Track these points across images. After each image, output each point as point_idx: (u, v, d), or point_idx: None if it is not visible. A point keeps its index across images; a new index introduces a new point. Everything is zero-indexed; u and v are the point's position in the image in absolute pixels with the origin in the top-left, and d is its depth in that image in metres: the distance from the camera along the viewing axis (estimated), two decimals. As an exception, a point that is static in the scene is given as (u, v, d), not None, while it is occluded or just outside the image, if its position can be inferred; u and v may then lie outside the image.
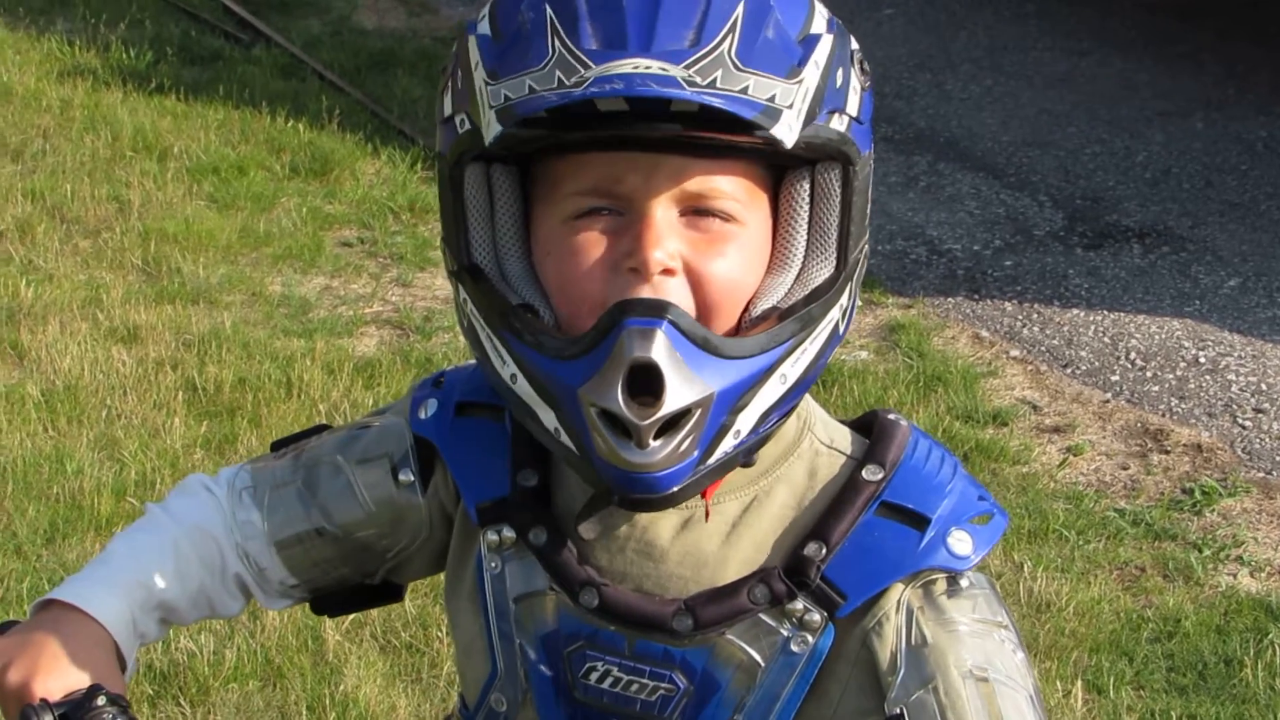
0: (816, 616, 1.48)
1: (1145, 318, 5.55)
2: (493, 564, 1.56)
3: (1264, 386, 5.16)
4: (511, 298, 1.45)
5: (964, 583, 1.50)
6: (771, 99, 1.34)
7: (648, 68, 1.32)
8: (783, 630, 1.49)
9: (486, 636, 1.58)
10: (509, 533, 1.55)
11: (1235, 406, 5.07)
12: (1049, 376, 5.25)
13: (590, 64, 1.33)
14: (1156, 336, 5.45)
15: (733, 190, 1.41)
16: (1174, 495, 4.66)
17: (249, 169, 6.46)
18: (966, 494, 1.52)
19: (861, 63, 1.47)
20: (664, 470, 1.39)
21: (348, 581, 1.73)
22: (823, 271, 1.46)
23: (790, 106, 1.35)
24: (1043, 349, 5.41)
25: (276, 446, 1.77)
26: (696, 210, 1.41)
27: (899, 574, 1.49)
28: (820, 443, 1.56)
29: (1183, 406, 5.08)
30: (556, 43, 1.34)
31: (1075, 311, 5.61)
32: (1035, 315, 5.61)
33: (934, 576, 1.50)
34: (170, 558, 1.66)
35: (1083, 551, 4.36)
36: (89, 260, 5.78)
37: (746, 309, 1.43)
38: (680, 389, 1.36)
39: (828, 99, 1.40)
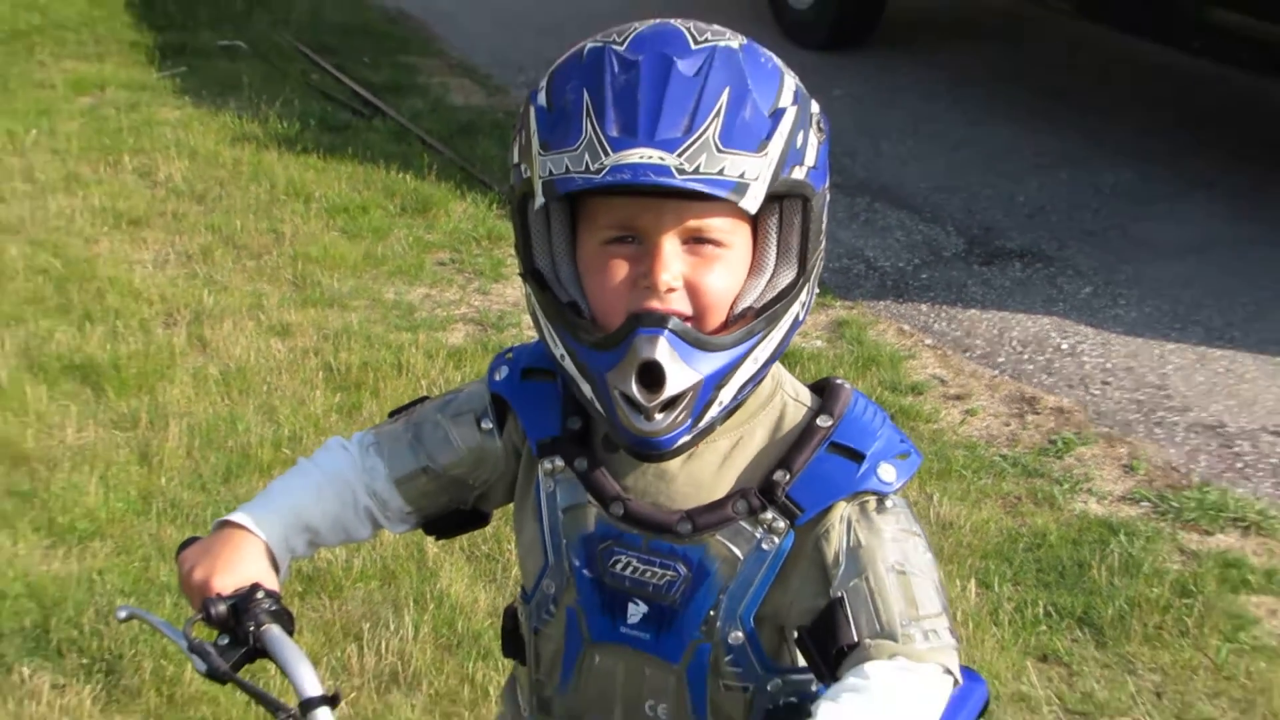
0: (782, 524, 1.50)
1: (1024, 315, 5.54)
2: (548, 485, 1.59)
3: (1109, 365, 5.16)
4: (562, 296, 1.47)
5: (889, 503, 1.53)
6: (742, 175, 1.36)
7: (649, 157, 1.33)
8: (757, 534, 1.51)
9: (541, 539, 1.60)
10: (560, 462, 1.58)
11: (1088, 380, 5.07)
12: (953, 359, 5.24)
13: (610, 151, 1.34)
14: (1032, 329, 5.44)
15: (721, 224, 1.43)
16: (1042, 445, 4.66)
17: (370, 209, 6.47)
18: (892, 439, 1.55)
19: (819, 122, 1.48)
20: (665, 435, 1.43)
21: (448, 508, 1.75)
22: (787, 276, 1.47)
23: (758, 179, 1.37)
24: (948, 339, 5.40)
25: (393, 414, 1.80)
26: (695, 239, 1.43)
27: (841, 494, 1.51)
28: (789, 397, 1.58)
29: (1050, 380, 5.07)
30: (589, 126, 1.36)
31: (972, 311, 5.61)
32: (943, 314, 5.60)
33: (867, 498, 1.52)
34: (314, 494, 1.69)
35: (976, 486, 4.37)
36: (253, 276, 5.80)
37: (732, 306, 1.45)
38: (677, 378, 1.40)
39: (790, 158, 1.41)
